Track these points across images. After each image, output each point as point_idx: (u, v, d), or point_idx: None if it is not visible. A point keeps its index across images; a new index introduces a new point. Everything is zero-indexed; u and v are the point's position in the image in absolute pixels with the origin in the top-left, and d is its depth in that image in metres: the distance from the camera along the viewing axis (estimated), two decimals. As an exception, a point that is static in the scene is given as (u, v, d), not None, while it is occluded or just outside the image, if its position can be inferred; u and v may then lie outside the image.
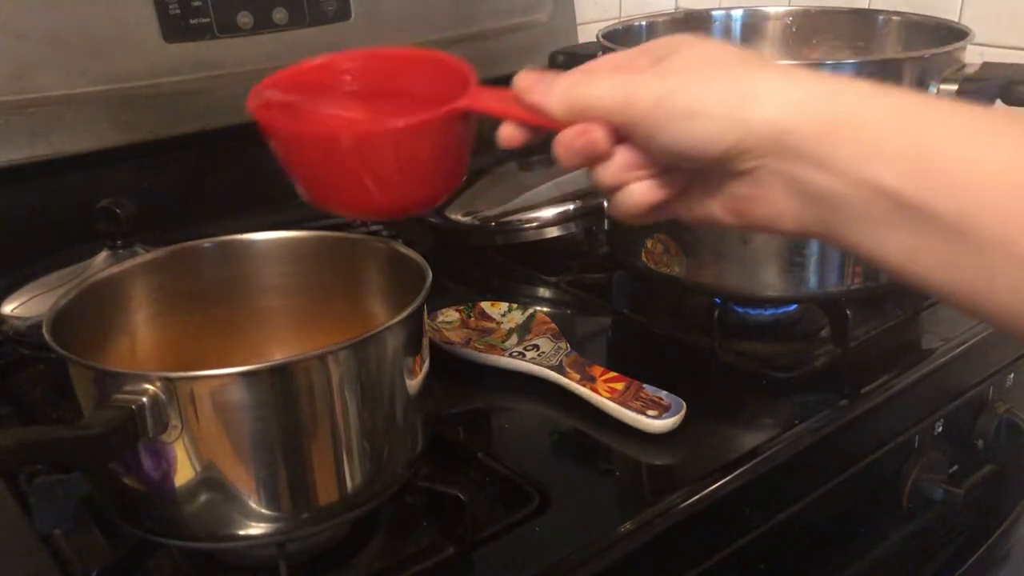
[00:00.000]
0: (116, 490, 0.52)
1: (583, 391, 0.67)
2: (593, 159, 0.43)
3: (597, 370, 0.69)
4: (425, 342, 0.56)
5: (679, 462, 0.62)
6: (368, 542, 0.56)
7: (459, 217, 0.94)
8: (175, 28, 0.87)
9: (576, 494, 0.59)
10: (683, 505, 0.57)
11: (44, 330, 0.50)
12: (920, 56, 0.68)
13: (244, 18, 0.90)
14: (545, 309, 0.80)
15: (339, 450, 0.51)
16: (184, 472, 0.48)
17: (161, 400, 0.46)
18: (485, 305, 0.80)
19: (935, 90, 0.68)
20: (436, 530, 0.56)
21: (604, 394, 0.66)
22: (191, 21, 0.87)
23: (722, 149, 0.39)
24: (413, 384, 0.55)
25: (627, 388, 0.66)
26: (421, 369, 0.56)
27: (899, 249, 0.38)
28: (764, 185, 0.40)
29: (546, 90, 0.43)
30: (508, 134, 0.46)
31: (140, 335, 0.60)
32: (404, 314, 0.51)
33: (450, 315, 0.79)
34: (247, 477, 0.49)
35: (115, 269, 0.60)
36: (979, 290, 0.36)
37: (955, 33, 0.73)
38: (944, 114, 0.37)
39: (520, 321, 0.78)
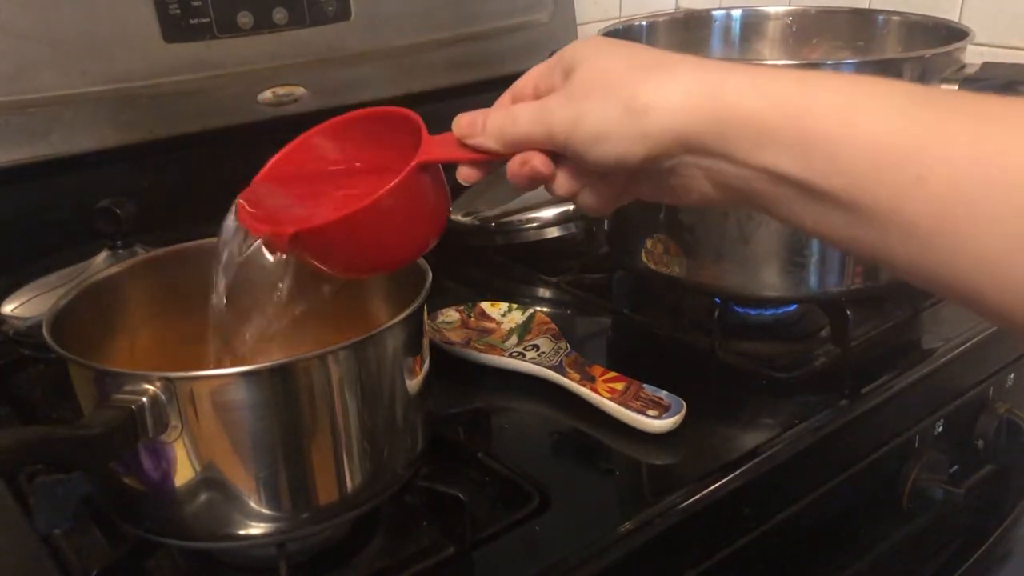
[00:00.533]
0: (116, 490, 0.52)
1: (583, 391, 0.67)
2: (540, 181, 0.47)
3: (597, 370, 0.69)
4: (425, 342, 0.56)
5: (679, 462, 0.62)
6: (368, 542, 0.56)
7: (459, 217, 0.94)
8: (175, 28, 0.87)
9: (576, 494, 0.59)
10: (683, 505, 0.57)
11: (44, 330, 0.50)
12: (920, 56, 0.68)
13: (244, 18, 0.90)
14: (545, 309, 0.80)
15: (339, 450, 0.51)
16: (184, 472, 0.48)
17: (161, 400, 0.46)
18: (485, 305, 0.80)
19: (935, 90, 0.68)
20: (436, 530, 0.56)
21: (604, 394, 0.66)
22: (191, 21, 0.87)
23: (638, 160, 0.43)
24: (413, 384, 0.54)
25: (627, 388, 0.66)
26: (421, 369, 0.56)
27: (812, 221, 0.40)
28: (687, 177, 0.44)
29: (482, 131, 0.47)
30: (466, 174, 0.49)
31: (140, 335, 0.60)
32: (404, 314, 0.51)
33: (450, 315, 0.79)
34: (247, 477, 0.49)
35: (115, 269, 0.60)
36: (882, 255, 0.38)
37: (955, 33, 0.73)
38: (823, 93, 0.39)
39: (520, 321, 0.78)
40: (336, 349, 0.49)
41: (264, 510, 0.50)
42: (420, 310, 0.54)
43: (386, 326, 0.51)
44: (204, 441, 0.48)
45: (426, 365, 0.57)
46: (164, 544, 0.54)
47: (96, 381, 0.49)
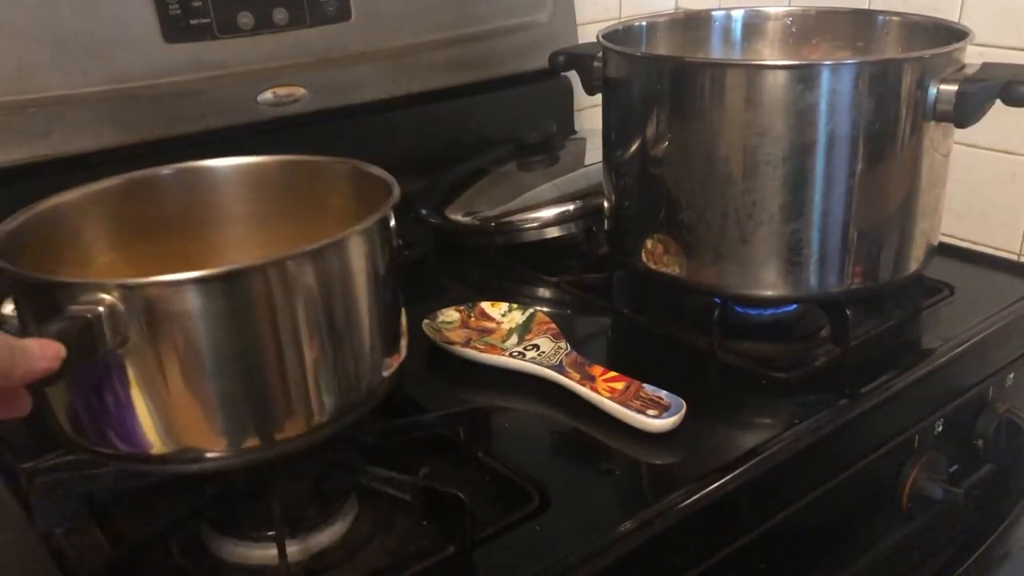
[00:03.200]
0: (71, 406, 0.50)
1: (583, 391, 0.67)
2: None
3: (597, 370, 0.69)
4: (389, 257, 0.54)
5: (679, 462, 0.62)
6: (368, 542, 0.56)
7: (459, 217, 0.94)
8: (175, 28, 0.87)
9: (576, 494, 0.59)
10: (683, 505, 0.57)
11: None
12: (920, 56, 0.68)
13: (244, 18, 0.90)
14: (545, 309, 0.80)
15: (305, 362, 0.49)
16: (142, 386, 0.47)
17: (119, 310, 0.44)
18: (485, 305, 0.80)
19: (935, 90, 0.68)
20: (436, 530, 0.56)
21: (604, 393, 0.66)
22: (191, 21, 0.88)
23: None
24: (381, 291, 0.53)
25: (627, 388, 0.66)
26: (389, 280, 0.54)
27: None
28: None
29: None
30: None
31: (97, 265, 0.58)
32: (365, 224, 0.50)
33: (450, 315, 0.79)
34: (210, 391, 0.47)
35: (66, 196, 0.57)
36: None
37: (955, 33, 0.73)
38: None
39: (520, 321, 0.78)
40: (296, 255, 0.47)
41: (230, 426, 0.48)
42: (385, 221, 0.52)
43: (345, 234, 0.49)
44: (165, 352, 0.46)
45: (393, 280, 0.55)
46: (120, 466, 0.52)
47: (48, 294, 0.46)
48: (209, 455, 0.49)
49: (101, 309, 0.44)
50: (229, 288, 0.47)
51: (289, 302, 0.48)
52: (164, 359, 0.46)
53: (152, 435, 0.48)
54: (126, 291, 0.44)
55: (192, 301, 0.46)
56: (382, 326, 0.54)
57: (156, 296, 0.45)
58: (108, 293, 0.44)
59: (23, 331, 0.45)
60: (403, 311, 0.57)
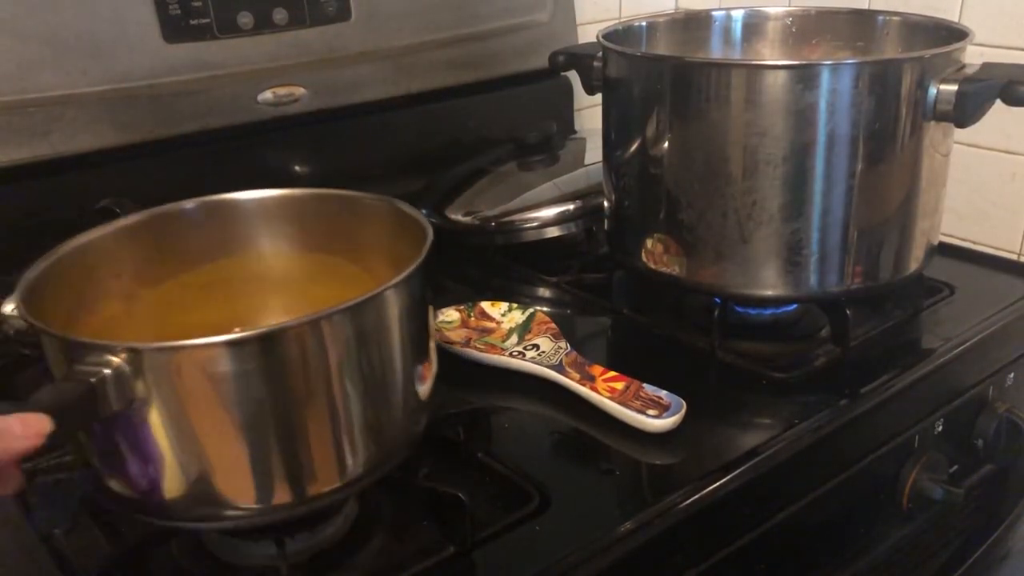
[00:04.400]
0: (99, 468, 0.49)
1: (583, 391, 0.67)
2: None
3: (597, 369, 0.69)
4: (425, 303, 0.54)
5: (679, 462, 0.62)
6: (368, 542, 0.56)
7: (459, 217, 0.94)
8: (175, 28, 0.87)
9: (576, 494, 0.59)
10: (683, 505, 0.57)
11: (16, 298, 0.48)
12: (920, 56, 0.68)
13: (244, 18, 0.90)
14: (545, 309, 0.80)
15: (337, 426, 0.48)
16: (155, 444, 0.45)
17: (125, 372, 0.43)
18: (485, 305, 0.80)
19: (935, 90, 0.68)
20: (436, 530, 0.56)
21: (604, 393, 0.66)
22: (191, 21, 0.87)
23: None
24: (417, 337, 0.52)
25: (627, 388, 0.66)
26: (424, 323, 0.54)
27: None
28: None
29: None
30: None
31: (138, 299, 0.58)
32: (404, 274, 0.49)
33: (450, 315, 0.79)
34: (234, 450, 0.46)
35: (95, 234, 0.57)
36: None
37: (955, 33, 0.73)
38: None
39: (520, 321, 0.78)
40: (331, 313, 0.45)
41: (257, 484, 0.48)
42: (419, 270, 0.51)
43: (386, 286, 0.48)
44: (180, 415, 0.45)
45: (432, 327, 0.54)
46: (154, 526, 0.52)
47: (63, 351, 0.45)
48: (231, 512, 0.48)
49: (107, 372, 0.43)
50: (251, 349, 0.45)
51: (323, 360, 0.46)
52: (181, 419, 0.45)
53: (168, 490, 0.47)
54: (134, 354, 0.43)
55: (208, 363, 0.44)
56: (417, 369, 0.53)
57: (167, 360, 0.44)
58: (115, 355, 0.43)
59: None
60: (433, 344, 0.56)
